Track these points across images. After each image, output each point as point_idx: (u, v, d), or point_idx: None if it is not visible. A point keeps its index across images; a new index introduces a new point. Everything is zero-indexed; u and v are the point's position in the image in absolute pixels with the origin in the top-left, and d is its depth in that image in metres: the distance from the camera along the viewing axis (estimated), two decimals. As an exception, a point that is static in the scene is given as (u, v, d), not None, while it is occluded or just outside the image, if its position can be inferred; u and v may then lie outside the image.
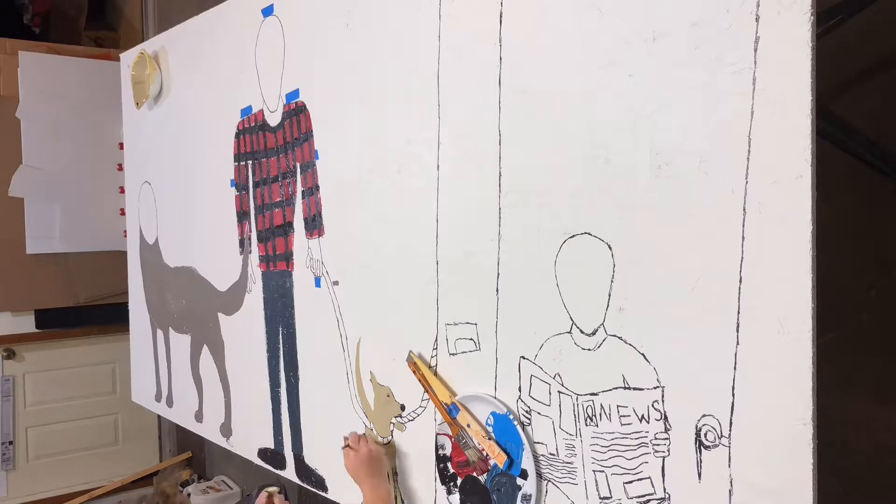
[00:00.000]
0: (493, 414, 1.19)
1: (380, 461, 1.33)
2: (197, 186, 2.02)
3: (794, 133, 0.81)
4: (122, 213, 3.13)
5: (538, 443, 1.13)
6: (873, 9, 1.32)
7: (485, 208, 1.17)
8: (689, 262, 0.91)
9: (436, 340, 1.29)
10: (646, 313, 0.97)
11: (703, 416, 0.92)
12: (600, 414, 1.03)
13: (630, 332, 0.99)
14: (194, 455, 3.97)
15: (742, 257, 0.87)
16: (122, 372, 3.85)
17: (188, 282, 2.08)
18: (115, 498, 3.85)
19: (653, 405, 0.97)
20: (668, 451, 0.96)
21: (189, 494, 3.65)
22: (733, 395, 0.89)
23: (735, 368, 0.88)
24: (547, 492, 1.13)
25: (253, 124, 1.74)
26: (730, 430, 0.89)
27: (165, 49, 2.14)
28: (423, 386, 1.30)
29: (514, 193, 1.13)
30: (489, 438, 1.19)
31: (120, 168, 3.54)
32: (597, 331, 1.03)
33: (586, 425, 1.05)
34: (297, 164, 1.60)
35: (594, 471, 1.05)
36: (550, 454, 1.11)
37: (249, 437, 1.87)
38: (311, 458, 1.65)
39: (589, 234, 1.03)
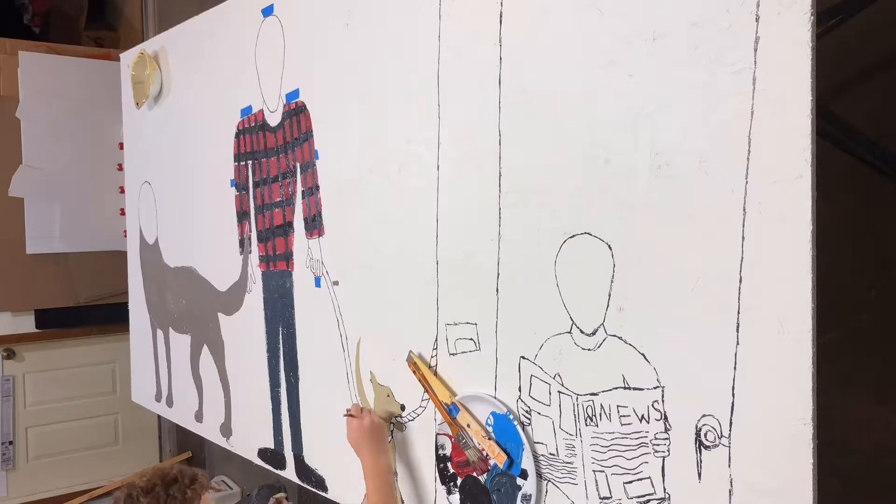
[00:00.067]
0: (493, 414, 1.19)
1: (382, 433, 1.34)
2: (197, 186, 2.02)
3: (794, 133, 0.81)
4: (122, 213, 3.13)
5: (538, 443, 1.13)
6: (873, 9, 1.32)
7: (485, 208, 1.17)
8: (689, 262, 0.91)
9: (436, 340, 1.29)
10: (646, 313, 0.97)
11: (703, 416, 0.92)
12: (600, 414, 1.03)
13: (630, 332, 0.99)
14: (194, 455, 3.97)
15: (742, 257, 0.87)
16: (122, 372, 3.85)
17: (188, 282, 2.08)
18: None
19: (653, 405, 0.97)
20: (668, 451, 0.96)
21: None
22: (733, 395, 0.89)
23: (735, 368, 0.88)
24: (547, 492, 1.13)
25: (253, 124, 1.74)
26: (730, 430, 0.89)
27: (165, 49, 2.14)
28: (423, 386, 1.30)
29: (514, 193, 1.13)
30: (489, 438, 1.19)
31: (120, 168, 3.53)
32: (597, 331, 1.03)
33: (586, 425, 1.05)
34: (297, 164, 1.60)
35: (594, 471, 1.05)
36: (550, 454, 1.11)
37: (249, 437, 1.86)
38: (311, 458, 1.65)
39: (589, 234, 1.03)
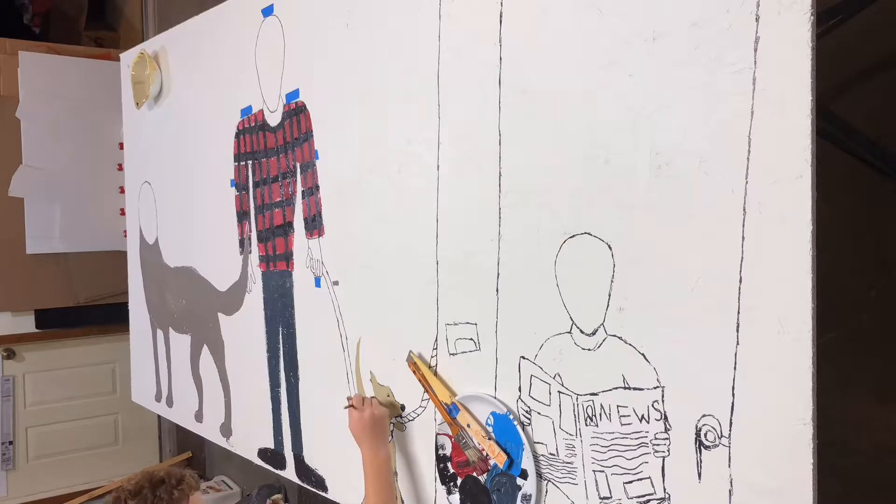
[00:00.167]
0: (493, 414, 1.19)
1: (383, 425, 1.34)
2: (197, 186, 2.02)
3: (794, 133, 0.81)
4: (122, 213, 3.13)
5: (538, 443, 1.13)
6: (873, 9, 1.32)
7: (485, 208, 1.17)
8: (689, 262, 0.91)
9: (436, 340, 1.29)
10: (646, 313, 0.97)
11: (703, 416, 0.92)
12: (600, 414, 1.03)
13: (630, 332, 0.99)
14: (194, 455, 3.97)
15: (742, 257, 0.87)
16: (122, 372, 3.85)
17: (188, 282, 2.08)
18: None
19: (653, 405, 0.97)
20: (668, 451, 0.96)
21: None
22: (733, 395, 0.89)
23: (735, 368, 0.88)
24: (547, 492, 1.13)
25: (253, 124, 1.74)
26: (730, 430, 0.89)
27: (165, 49, 2.14)
28: (423, 386, 1.30)
29: (514, 193, 1.13)
30: (489, 438, 1.19)
31: (120, 168, 3.53)
32: (597, 331, 1.03)
33: (586, 425, 1.05)
34: (297, 164, 1.60)
35: (594, 471, 1.05)
36: (550, 454, 1.11)
37: (249, 437, 1.86)
38: (311, 458, 1.65)
39: (589, 234, 1.03)
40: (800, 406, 0.82)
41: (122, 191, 2.65)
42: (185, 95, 2.06)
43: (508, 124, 1.14)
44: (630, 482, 1.00)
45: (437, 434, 1.30)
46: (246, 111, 1.77)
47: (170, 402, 2.27)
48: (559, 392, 1.09)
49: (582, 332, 1.05)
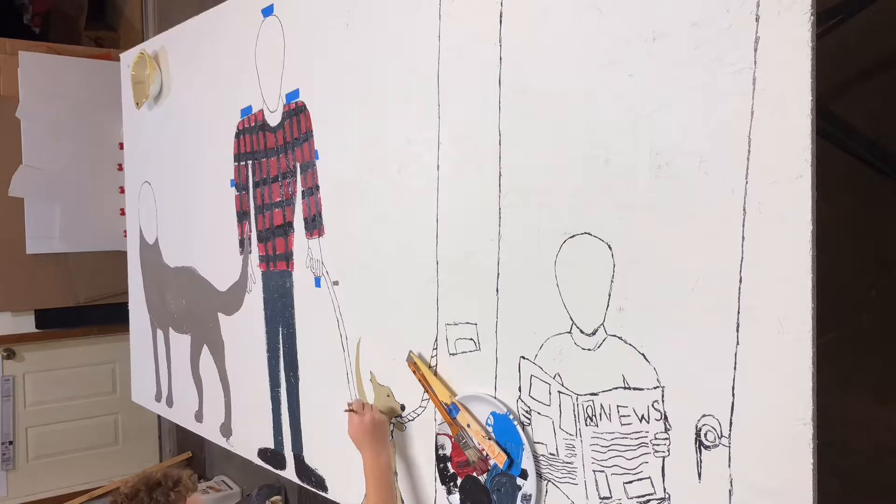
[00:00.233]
0: (493, 414, 1.19)
1: (383, 429, 1.34)
2: (197, 186, 2.02)
3: (794, 133, 0.81)
4: (122, 213, 3.13)
5: (538, 443, 1.13)
6: (873, 9, 1.32)
7: (485, 208, 1.17)
8: (689, 262, 0.91)
9: (436, 340, 1.29)
10: (646, 313, 0.97)
11: (703, 416, 0.92)
12: (600, 414, 1.03)
13: (630, 332, 0.99)
14: (194, 455, 3.97)
15: (742, 257, 0.87)
16: (122, 372, 3.85)
17: (188, 282, 2.08)
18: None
19: (653, 405, 0.97)
20: (668, 451, 0.96)
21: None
22: (733, 395, 0.89)
23: (735, 368, 0.88)
24: (547, 492, 1.13)
25: (253, 124, 1.74)
26: (730, 430, 0.89)
27: (165, 49, 2.14)
28: (423, 386, 1.30)
29: (514, 193, 1.13)
30: (489, 438, 1.19)
31: (120, 168, 3.53)
32: (597, 331, 1.03)
33: (586, 425, 1.05)
34: (297, 164, 1.60)
35: (594, 471, 1.05)
36: (550, 454, 1.11)
37: (249, 437, 1.86)
38: (311, 458, 1.65)
39: (589, 234, 1.03)
40: (800, 406, 0.82)
41: (122, 191, 2.65)
42: (185, 95, 2.06)
43: (508, 124, 1.14)
44: (630, 482, 1.00)
45: (437, 434, 1.30)
46: (246, 111, 1.77)
47: (170, 402, 2.27)
48: (559, 392, 1.09)
49: (582, 332, 1.05)
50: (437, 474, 1.31)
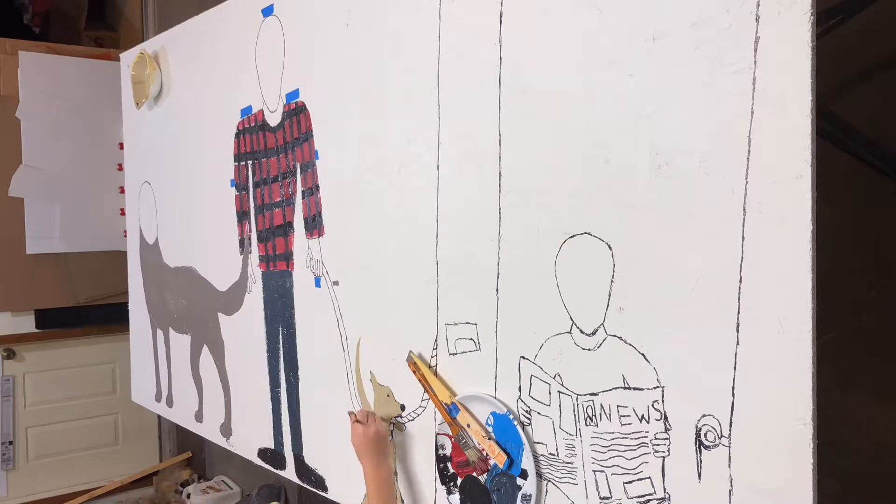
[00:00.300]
0: (493, 414, 1.19)
1: (386, 441, 1.34)
2: (197, 186, 2.02)
3: (794, 133, 0.81)
4: (122, 213, 3.13)
5: (538, 443, 1.13)
6: (873, 9, 1.32)
7: (485, 208, 1.17)
8: (689, 262, 0.91)
9: (436, 340, 1.29)
10: (646, 313, 0.97)
11: (703, 416, 0.92)
12: (600, 414, 1.03)
13: (630, 332, 0.99)
14: (194, 455, 3.98)
15: (742, 257, 0.87)
16: (122, 372, 3.86)
17: (188, 282, 2.08)
18: (115, 498, 3.86)
19: (653, 405, 0.97)
20: (668, 451, 0.96)
21: (189, 495, 3.65)
22: (733, 395, 0.89)
23: (735, 368, 0.88)
24: (547, 492, 1.13)
25: (253, 124, 1.74)
26: (730, 430, 0.89)
27: (165, 49, 2.14)
28: (423, 386, 1.30)
29: (514, 193, 1.13)
30: (489, 438, 1.19)
31: (120, 168, 3.54)
32: (597, 331, 1.03)
33: (586, 425, 1.05)
34: (297, 164, 1.60)
35: (594, 471, 1.05)
36: (550, 454, 1.11)
37: (249, 437, 1.87)
38: (311, 458, 1.65)
39: (589, 234, 1.03)
40: (800, 406, 0.82)
41: (122, 191, 2.66)
42: (185, 95, 2.06)
43: (508, 124, 1.14)
44: (630, 482, 1.00)
45: (437, 434, 1.30)
46: (246, 111, 1.77)
47: (170, 402, 2.27)
48: (559, 392, 1.09)
49: (582, 332, 1.05)
50: (437, 474, 1.31)
